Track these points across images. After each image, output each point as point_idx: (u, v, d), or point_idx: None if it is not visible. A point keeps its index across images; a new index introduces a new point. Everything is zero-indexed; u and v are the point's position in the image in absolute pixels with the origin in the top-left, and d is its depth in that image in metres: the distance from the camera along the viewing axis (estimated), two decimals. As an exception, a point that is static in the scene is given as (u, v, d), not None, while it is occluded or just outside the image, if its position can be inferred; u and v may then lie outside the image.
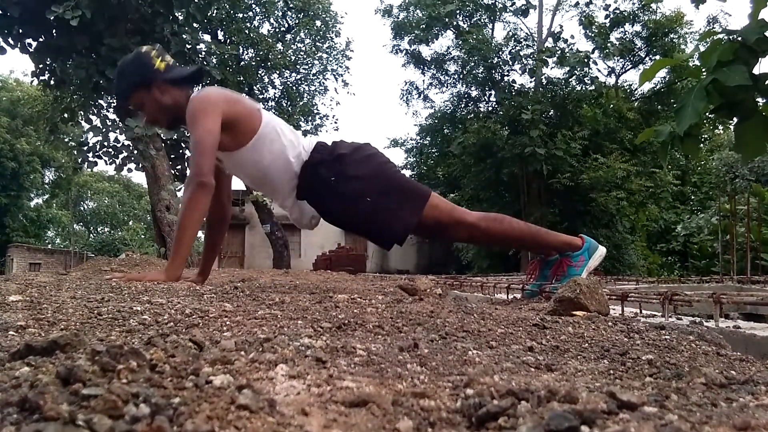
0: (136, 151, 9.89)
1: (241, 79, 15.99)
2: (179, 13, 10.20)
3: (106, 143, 10.19)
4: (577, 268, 2.56)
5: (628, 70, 19.87)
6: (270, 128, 2.30)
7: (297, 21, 19.30)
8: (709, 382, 0.80)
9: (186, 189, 2.13)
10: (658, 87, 18.08)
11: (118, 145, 10.29)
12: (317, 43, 19.92)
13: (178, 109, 2.32)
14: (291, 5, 18.87)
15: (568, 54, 16.35)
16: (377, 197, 2.28)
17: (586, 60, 16.35)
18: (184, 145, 11.30)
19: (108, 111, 11.54)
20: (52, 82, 10.70)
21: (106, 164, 10.45)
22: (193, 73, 2.38)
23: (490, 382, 0.67)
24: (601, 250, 2.63)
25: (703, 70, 2.18)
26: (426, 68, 20.91)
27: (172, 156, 11.09)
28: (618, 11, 18.17)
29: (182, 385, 0.58)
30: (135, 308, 1.21)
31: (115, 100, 11.00)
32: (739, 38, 2.05)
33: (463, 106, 20.04)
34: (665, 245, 19.66)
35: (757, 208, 9.85)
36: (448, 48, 20.32)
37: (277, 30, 19.34)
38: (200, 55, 11.31)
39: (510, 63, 17.51)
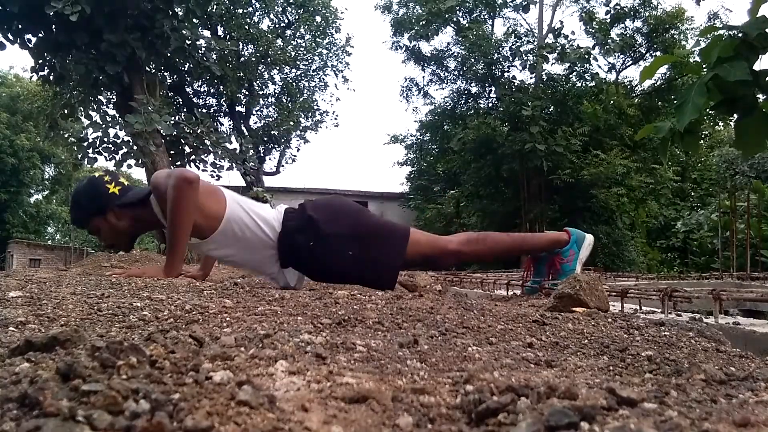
0: (135, 147, 9.87)
1: (241, 74, 15.98)
2: (179, 9, 10.17)
3: (105, 139, 10.16)
4: (569, 263, 2.57)
5: (629, 66, 19.83)
6: (236, 206, 2.29)
7: (297, 17, 19.28)
8: (709, 379, 0.80)
9: (171, 191, 2.11)
10: (658, 83, 18.05)
11: (118, 141, 10.26)
12: (317, 39, 19.91)
13: (137, 227, 2.39)
14: (291, 1, 18.84)
15: (568, 50, 16.30)
16: (359, 249, 2.26)
17: (586, 56, 16.31)
18: (184, 141, 11.28)
19: (108, 107, 11.53)
20: (51, 78, 10.66)
21: (106, 160, 10.42)
22: (148, 193, 2.35)
23: (490, 379, 0.67)
24: (589, 239, 2.64)
25: (704, 66, 2.17)
26: (426, 64, 20.88)
27: (172, 152, 11.06)
28: (618, 7, 18.12)
29: (182, 381, 0.58)
30: (135, 304, 1.21)
31: (114, 96, 11.01)
32: (740, 34, 2.04)
33: (463, 102, 20.02)
34: (665, 242, 19.67)
35: (757, 204, 9.85)
36: (448, 44, 20.31)
37: (277, 26, 19.32)
38: (200, 51, 11.27)
39: (510, 59, 17.48)
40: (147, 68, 10.41)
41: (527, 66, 17.10)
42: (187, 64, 11.60)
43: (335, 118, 20.96)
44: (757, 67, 2.05)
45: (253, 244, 2.28)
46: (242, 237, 2.26)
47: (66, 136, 11.76)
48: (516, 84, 17.37)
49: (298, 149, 27.23)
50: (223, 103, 18.59)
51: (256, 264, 2.36)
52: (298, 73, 20.17)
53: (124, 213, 2.34)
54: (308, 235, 2.25)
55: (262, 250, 2.29)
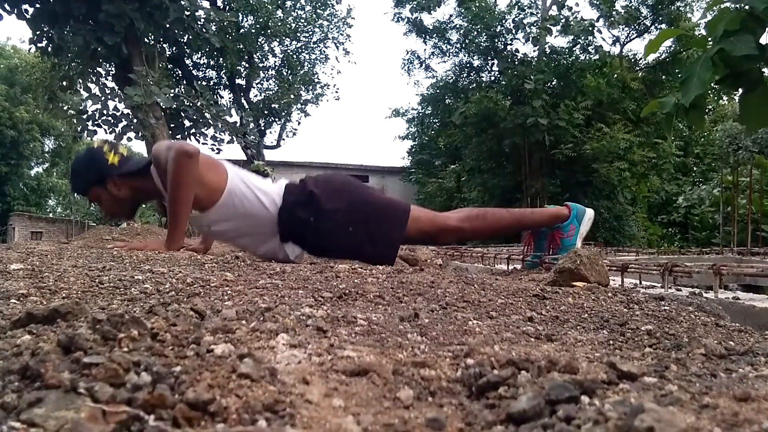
0: (135, 120, 9.81)
1: (241, 46, 15.82)
2: (177, -21, 10.03)
3: (105, 111, 10.10)
4: (570, 238, 2.57)
5: (633, 39, 19.59)
6: (238, 180, 2.28)
7: (297, -13, 19.01)
8: (709, 353, 0.80)
9: (171, 163, 2.11)
10: (663, 57, 17.83)
11: (118, 114, 10.20)
12: (318, 11, 19.66)
13: (137, 197, 2.40)
14: (291, -29, 18.56)
15: (572, 22, 16.09)
16: (359, 225, 2.27)
17: (590, 29, 16.10)
18: (183, 114, 11.21)
19: (107, 79, 11.44)
20: (49, 50, 10.56)
21: (106, 133, 10.37)
22: (148, 163, 2.34)
23: (491, 352, 0.67)
24: (589, 213, 2.63)
25: (709, 39, 2.14)
26: (428, 37, 20.62)
27: (172, 125, 11.01)
28: (624, -22, 17.86)
29: (183, 354, 0.58)
30: (136, 277, 1.21)
31: (113, 69, 10.91)
32: (747, 7, 2.01)
33: (465, 75, 19.81)
34: (666, 216, 19.66)
35: (759, 179, 9.82)
36: (450, 16, 20.00)
37: (277, -3, 19.05)
38: (199, 22, 11.13)
39: (513, 31, 17.25)
40: (146, 40, 10.30)
41: (530, 39, 16.88)
42: (187, 35, 11.48)
43: (336, 92, 20.94)
44: (763, 41, 2.02)
45: (253, 217, 2.28)
46: (242, 210, 2.26)
47: (65, 108, 11.69)
48: (519, 57, 17.18)
49: (299, 123, 27.18)
50: (223, 76, 18.45)
51: (255, 239, 2.36)
52: (299, 45, 19.97)
53: (123, 182, 2.35)
54: (309, 210, 2.25)
55: (262, 224, 2.30)
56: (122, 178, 2.34)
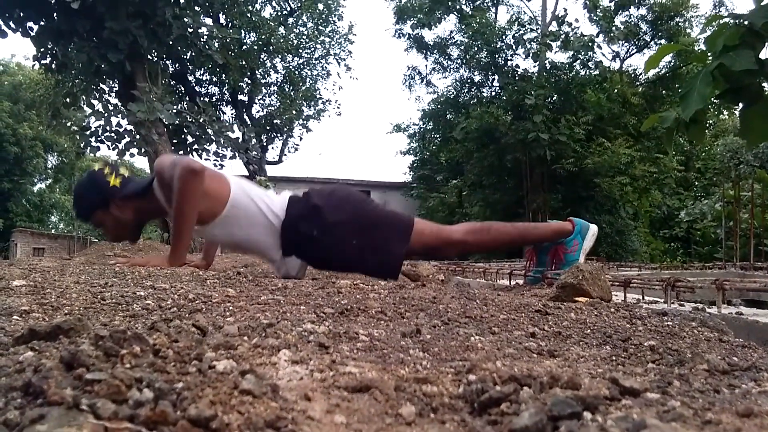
0: (138, 136, 9.86)
1: (243, 63, 15.91)
2: (181, -3, 10.14)
3: (108, 128, 10.16)
4: (573, 253, 2.56)
5: (633, 54, 19.71)
6: (241, 192, 2.28)
7: (299, 4, 19.17)
8: (712, 369, 0.80)
9: (176, 181, 2.11)
10: (662, 72, 17.92)
11: (121, 130, 10.25)
12: (320, 27, 19.80)
13: (141, 218, 2.41)
14: (293, -12, 18.74)
15: (572, 38, 16.19)
16: (362, 238, 2.26)
17: (590, 44, 16.19)
18: (186, 130, 11.27)
19: (110, 95, 11.51)
20: (53, 67, 10.64)
21: (109, 149, 10.42)
22: (150, 182, 2.35)
23: (493, 368, 0.67)
24: (593, 229, 2.62)
25: (709, 54, 2.15)
26: (429, 53, 20.78)
27: (175, 141, 11.06)
28: (623, -6, 17.99)
29: (185, 370, 0.58)
30: (138, 293, 1.21)
31: (117, 85, 10.98)
32: (746, 23, 2.02)
33: (465, 91, 19.92)
34: (668, 231, 19.63)
35: (761, 194, 9.82)
36: (451, 32, 20.19)
37: (280, 13, 19.22)
38: (202, 39, 11.22)
39: (513, 47, 17.37)
40: (149, 56, 10.38)
41: (530, 54, 16.99)
42: (190, 52, 11.57)
43: (338, 107, 20.94)
44: (762, 55, 2.03)
45: (256, 230, 2.28)
46: (245, 223, 2.26)
47: (68, 124, 11.76)
48: (519, 73, 17.28)
49: (301, 138, 27.25)
50: (226, 92, 18.54)
51: (260, 249, 2.36)
52: (301, 61, 20.09)
53: (126, 204, 2.34)
54: (312, 223, 2.24)
55: (265, 237, 2.29)
56: (125, 200, 2.34)
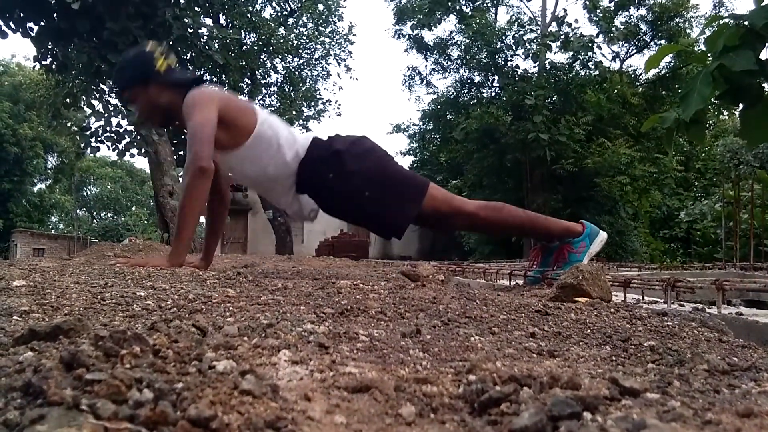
0: (138, 137, 9.88)
1: (243, 63, 15.91)
2: (181, -3, 10.15)
3: (108, 128, 10.18)
4: (578, 254, 2.55)
5: (633, 54, 19.71)
6: (266, 126, 2.31)
7: (299, 5, 19.16)
8: (712, 369, 0.80)
9: (185, 175, 2.14)
10: (663, 72, 17.92)
11: (121, 130, 10.28)
12: (320, 28, 19.80)
13: (171, 110, 2.38)
14: (293, -11, 18.74)
15: (572, 38, 16.20)
16: (376, 191, 2.29)
17: (590, 44, 16.19)
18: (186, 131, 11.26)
19: (110, 96, 11.51)
20: (53, 67, 10.65)
21: (109, 149, 10.47)
22: (194, 79, 2.38)
23: (493, 368, 0.67)
24: (602, 235, 2.61)
25: (709, 55, 2.15)
26: (428, 53, 20.79)
27: (175, 141, 11.06)
28: (623, -6, 17.99)
29: (185, 371, 0.58)
30: (138, 293, 1.21)
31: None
32: (746, 23, 2.03)
33: (465, 91, 19.93)
34: (668, 232, 19.63)
35: (761, 194, 9.82)
36: (451, 33, 20.20)
37: (280, 14, 19.21)
38: (202, 40, 11.23)
39: (513, 48, 17.38)
40: (149, 57, 10.35)
41: (530, 55, 17.00)
42: (190, 52, 11.56)
43: (338, 108, 20.91)
44: (763, 56, 2.03)
45: (275, 163, 2.31)
46: (266, 155, 2.29)
47: (69, 125, 11.77)
48: (519, 73, 17.28)
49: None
50: (226, 93, 18.52)
51: (274, 185, 2.40)
52: (301, 62, 20.09)
53: (164, 91, 2.36)
54: (330, 167, 2.28)
55: (282, 172, 2.33)
56: (164, 86, 2.36)
